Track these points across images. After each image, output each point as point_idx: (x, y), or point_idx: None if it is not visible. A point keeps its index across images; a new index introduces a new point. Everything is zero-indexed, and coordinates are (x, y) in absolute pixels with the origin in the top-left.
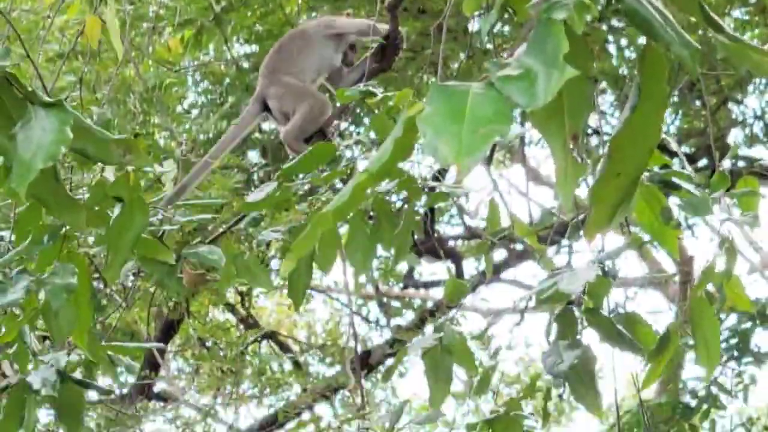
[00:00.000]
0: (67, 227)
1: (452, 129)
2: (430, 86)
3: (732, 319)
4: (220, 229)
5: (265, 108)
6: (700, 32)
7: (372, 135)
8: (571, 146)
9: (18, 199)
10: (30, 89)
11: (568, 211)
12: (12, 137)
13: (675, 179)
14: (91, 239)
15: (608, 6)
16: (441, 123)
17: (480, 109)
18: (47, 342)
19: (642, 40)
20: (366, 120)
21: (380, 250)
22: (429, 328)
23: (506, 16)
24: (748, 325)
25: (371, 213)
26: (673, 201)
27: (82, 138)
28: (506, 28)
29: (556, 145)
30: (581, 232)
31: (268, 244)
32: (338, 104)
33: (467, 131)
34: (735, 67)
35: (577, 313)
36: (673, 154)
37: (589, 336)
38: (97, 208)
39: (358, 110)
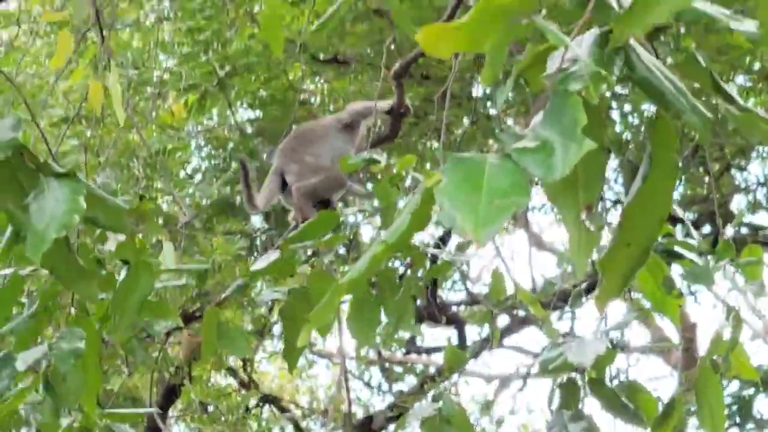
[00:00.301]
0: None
1: (469, 200)
2: (447, 157)
3: (734, 386)
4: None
5: (282, 184)
6: (703, 98)
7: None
8: (584, 217)
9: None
10: (42, 160)
11: (570, 280)
12: (25, 208)
13: (677, 248)
14: None
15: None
16: (458, 194)
17: (497, 181)
18: None
19: (646, 106)
20: (369, 186)
21: (384, 317)
22: (430, 394)
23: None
24: (751, 391)
25: (373, 280)
26: (676, 269)
27: (94, 207)
28: (510, 94)
29: (569, 217)
30: (584, 299)
31: (270, 309)
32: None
33: (485, 203)
34: (745, 136)
35: (579, 382)
36: (677, 221)
37: (591, 403)
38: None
39: (360, 176)
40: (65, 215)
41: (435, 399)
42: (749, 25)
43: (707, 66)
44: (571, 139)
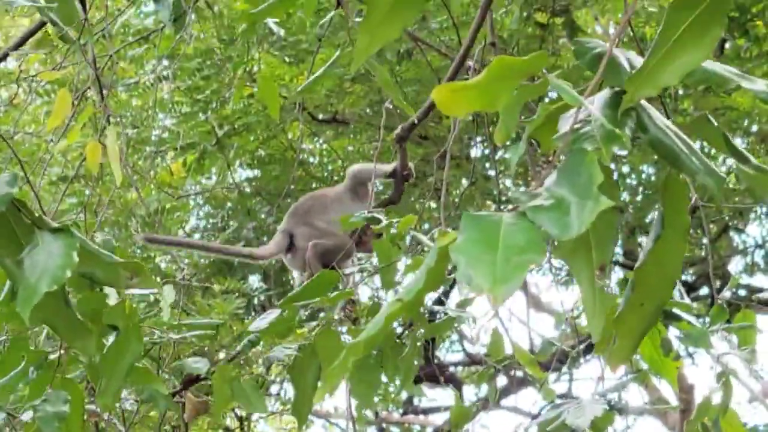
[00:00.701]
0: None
1: (486, 258)
2: (462, 216)
3: None
4: (221, 354)
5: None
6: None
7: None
8: (597, 276)
9: (22, 324)
10: (38, 215)
11: (568, 341)
12: (20, 263)
13: (675, 310)
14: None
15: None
16: (474, 252)
17: (512, 239)
18: None
19: (644, 167)
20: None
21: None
22: None
23: (508, 143)
24: None
25: None
26: (673, 332)
27: (89, 262)
28: (507, 155)
29: (583, 276)
30: (581, 360)
31: (268, 368)
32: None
33: (501, 260)
34: (758, 196)
35: None
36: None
37: None
38: None
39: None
40: (58, 269)
41: None
42: (761, 85)
43: (719, 126)
44: (586, 197)
